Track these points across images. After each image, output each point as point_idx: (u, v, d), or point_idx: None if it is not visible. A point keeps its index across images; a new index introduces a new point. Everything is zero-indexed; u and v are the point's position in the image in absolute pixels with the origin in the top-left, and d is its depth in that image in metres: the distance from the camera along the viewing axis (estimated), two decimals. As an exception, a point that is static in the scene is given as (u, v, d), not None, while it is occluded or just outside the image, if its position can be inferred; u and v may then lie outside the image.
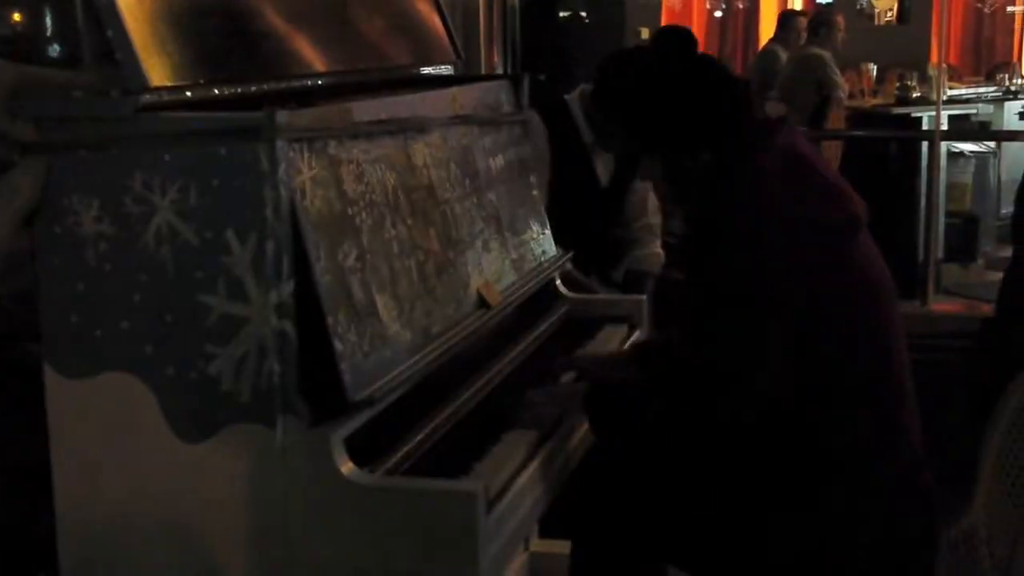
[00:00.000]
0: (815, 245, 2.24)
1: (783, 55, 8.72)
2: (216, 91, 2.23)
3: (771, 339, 2.24)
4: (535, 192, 3.22)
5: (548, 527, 3.41)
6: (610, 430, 2.48)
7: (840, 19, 8.36)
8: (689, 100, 2.38)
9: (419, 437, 2.28)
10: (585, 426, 2.58)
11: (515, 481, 2.26)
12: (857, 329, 2.30)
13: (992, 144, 7.72)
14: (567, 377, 2.76)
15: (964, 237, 7.25)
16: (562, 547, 2.60)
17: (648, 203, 4.12)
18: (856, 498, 2.31)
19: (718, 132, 2.37)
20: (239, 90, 2.28)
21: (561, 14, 7.81)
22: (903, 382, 2.38)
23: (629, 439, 2.48)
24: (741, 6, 12.14)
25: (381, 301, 2.25)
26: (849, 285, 2.29)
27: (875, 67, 8.95)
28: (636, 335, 3.20)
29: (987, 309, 4.68)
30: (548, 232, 3.22)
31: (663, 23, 11.51)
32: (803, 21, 8.85)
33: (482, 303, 2.65)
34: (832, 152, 7.32)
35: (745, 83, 2.49)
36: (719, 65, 2.48)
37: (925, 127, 7.20)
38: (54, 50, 2.24)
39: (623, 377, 2.75)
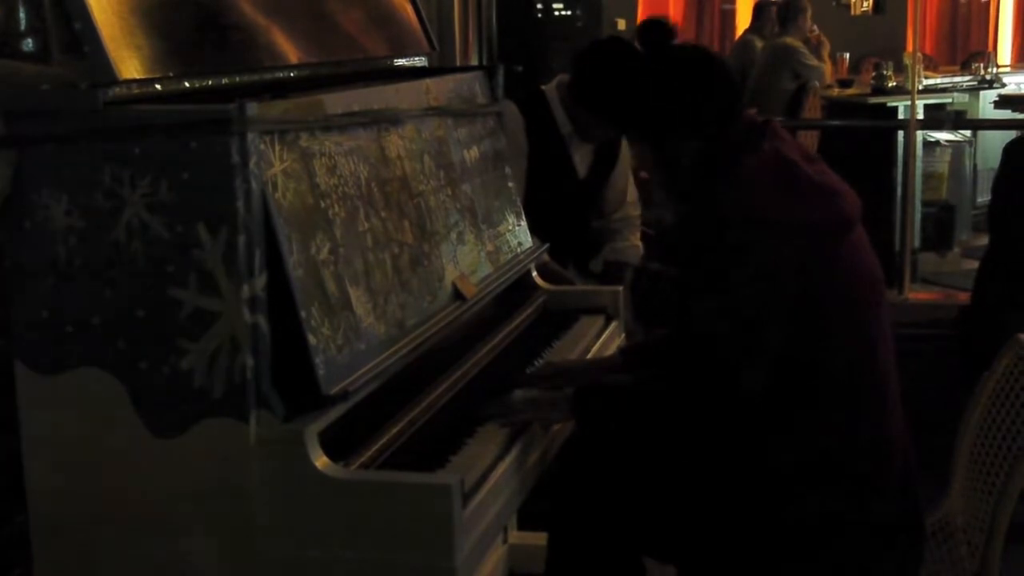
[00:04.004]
0: (802, 247, 2.24)
1: (759, 45, 8.73)
2: (187, 84, 2.21)
3: (763, 336, 2.23)
4: (510, 184, 3.21)
5: (527, 519, 3.41)
6: (600, 432, 2.47)
7: (808, 5, 8.38)
8: (667, 89, 2.37)
9: (395, 430, 2.27)
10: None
11: (491, 473, 2.25)
12: (844, 328, 2.29)
13: (968, 133, 7.74)
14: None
15: (940, 226, 7.28)
16: (541, 539, 2.60)
17: (627, 195, 4.12)
18: (839, 493, 2.31)
19: (705, 120, 2.36)
20: (210, 82, 2.27)
21: (538, 5, 7.80)
22: (888, 379, 2.38)
23: (619, 440, 2.47)
24: (718, -4, 12.14)
25: (355, 294, 2.24)
26: (838, 285, 2.28)
27: (848, 55, 8.98)
28: (614, 326, 3.20)
29: (964, 298, 4.70)
30: (524, 223, 3.21)
31: (640, 14, 11.49)
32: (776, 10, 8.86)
33: (457, 295, 2.64)
34: (808, 141, 7.33)
35: (730, 79, 2.46)
36: (709, 55, 2.47)
37: (901, 116, 7.21)
38: (28, 45, 2.22)
39: (610, 380, 2.76)
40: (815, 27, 8.68)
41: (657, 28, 2.45)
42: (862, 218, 2.38)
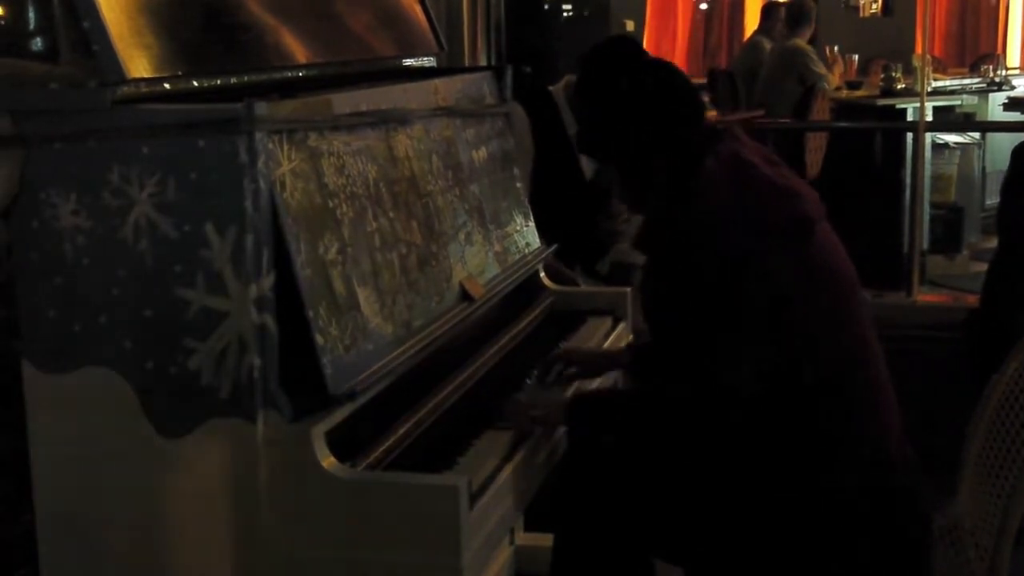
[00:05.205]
0: (765, 248, 2.25)
1: (768, 46, 8.72)
2: (195, 83, 2.21)
3: (742, 338, 2.23)
4: (518, 184, 3.20)
5: (534, 520, 3.40)
6: (590, 441, 2.48)
7: (814, 7, 8.38)
8: (655, 106, 2.39)
9: (402, 431, 2.27)
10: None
11: (498, 475, 2.25)
12: (821, 325, 2.29)
13: (976, 135, 7.72)
14: (557, 369, 2.75)
15: (949, 228, 7.26)
16: (548, 541, 2.59)
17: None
18: (839, 496, 2.30)
19: (673, 139, 2.38)
20: (218, 82, 2.27)
21: (546, 6, 7.80)
22: (876, 372, 2.37)
23: (608, 448, 2.47)
24: (726, -2, 12.14)
25: (363, 294, 2.23)
26: (808, 283, 2.28)
27: (856, 57, 8.99)
28: (622, 327, 3.19)
29: (972, 300, 4.68)
30: (532, 224, 3.21)
31: (648, 15, 11.49)
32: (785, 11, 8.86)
33: (465, 296, 2.64)
34: (817, 143, 7.32)
35: (695, 90, 2.47)
36: (678, 72, 2.49)
37: (910, 118, 7.21)
38: (36, 44, 2.22)
39: (605, 388, 2.76)
40: (836, 48, 8.69)
41: (623, 45, 2.47)
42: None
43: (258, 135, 2.02)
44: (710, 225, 2.25)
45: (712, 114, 7.10)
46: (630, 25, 9.62)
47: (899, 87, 7.75)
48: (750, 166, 2.34)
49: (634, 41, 2.51)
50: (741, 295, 2.23)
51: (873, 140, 7.10)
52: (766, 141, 6.97)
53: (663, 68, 2.47)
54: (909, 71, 7.97)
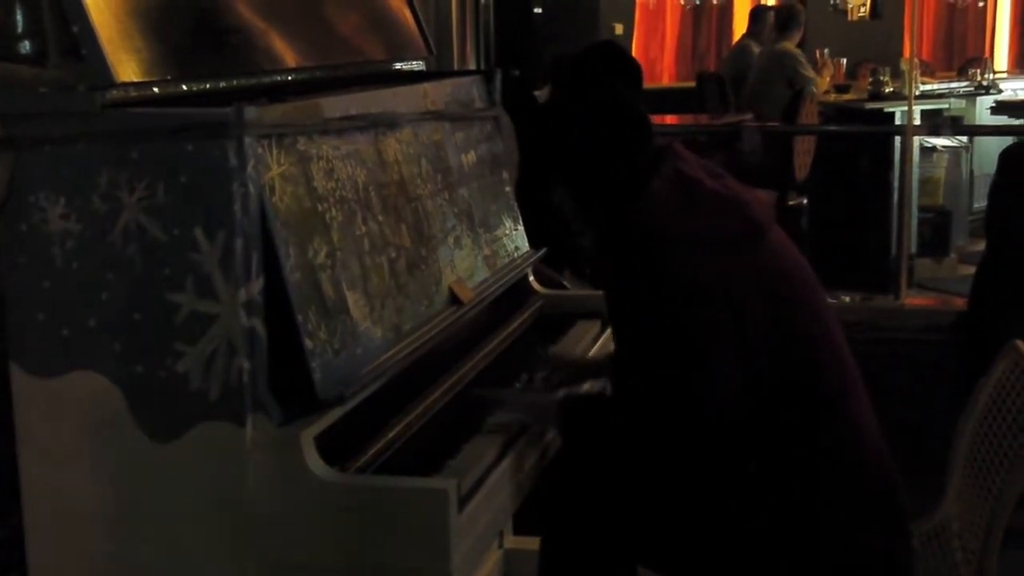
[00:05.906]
0: (716, 258, 2.26)
1: (756, 50, 8.74)
2: (184, 87, 2.21)
3: (712, 355, 2.23)
4: (507, 188, 3.21)
5: (522, 524, 3.40)
6: (582, 443, 2.48)
7: (803, 11, 8.41)
8: (600, 131, 2.40)
9: (391, 435, 2.27)
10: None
11: (487, 478, 2.25)
12: (782, 329, 2.29)
13: (964, 139, 7.74)
14: (542, 374, 2.76)
15: (937, 231, 7.28)
16: (536, 544, 2.59)
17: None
18: (813, 495, 2.30)
19: (619, 162, 2.39)
20: (208, 86, 2.27)
21: (535, 9, 7.81)
22: (844, 371, 2.37)
23: (600, 451, 2.48)
24: (715, 1, 12.14)
25: (352, 298, 2.24)
26: (764, 288, 2.29)
27: (844, 60, 9.01)
28: (610, 331, 3.19)
29: (960, 303, 4.70)
30: (521, 228, 3.21)
31: (637, 19, 11.50)
32: (773, 15, 8.88)
33: (454, 300, 2.64)
34: (806, 147, 7.34)
35: (641, 113, 2.47)
36: (626, 93, 2.49)
37: (898, 122, 7.22)
38: (25, 47, 2.22)
39: (596, 391, 2.76)
40: (824, 52, 8.73)
41: (568, 68, 2.47)
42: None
43: (247, 139, 2.02)
44: (663, 248, 2.26)
45: (703, 118, 7.11)
46: (619, 28, 9.65)
47: (887, 91, 7.76)
48: (695, 182, 2.35)
49: (604, 50, 2.49)
50: (702, 312, 2.23)
51: (862, 144, 7.11)
52: (760, 144, 6.96)
53: (610, 90, 2.45)
54: (897, 75, 7.98)
